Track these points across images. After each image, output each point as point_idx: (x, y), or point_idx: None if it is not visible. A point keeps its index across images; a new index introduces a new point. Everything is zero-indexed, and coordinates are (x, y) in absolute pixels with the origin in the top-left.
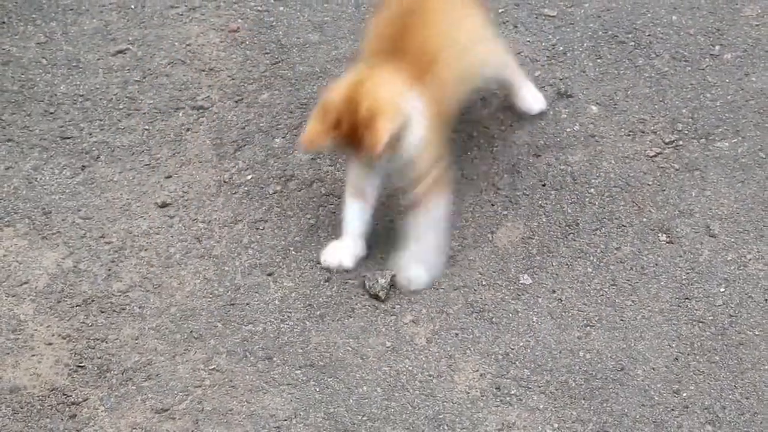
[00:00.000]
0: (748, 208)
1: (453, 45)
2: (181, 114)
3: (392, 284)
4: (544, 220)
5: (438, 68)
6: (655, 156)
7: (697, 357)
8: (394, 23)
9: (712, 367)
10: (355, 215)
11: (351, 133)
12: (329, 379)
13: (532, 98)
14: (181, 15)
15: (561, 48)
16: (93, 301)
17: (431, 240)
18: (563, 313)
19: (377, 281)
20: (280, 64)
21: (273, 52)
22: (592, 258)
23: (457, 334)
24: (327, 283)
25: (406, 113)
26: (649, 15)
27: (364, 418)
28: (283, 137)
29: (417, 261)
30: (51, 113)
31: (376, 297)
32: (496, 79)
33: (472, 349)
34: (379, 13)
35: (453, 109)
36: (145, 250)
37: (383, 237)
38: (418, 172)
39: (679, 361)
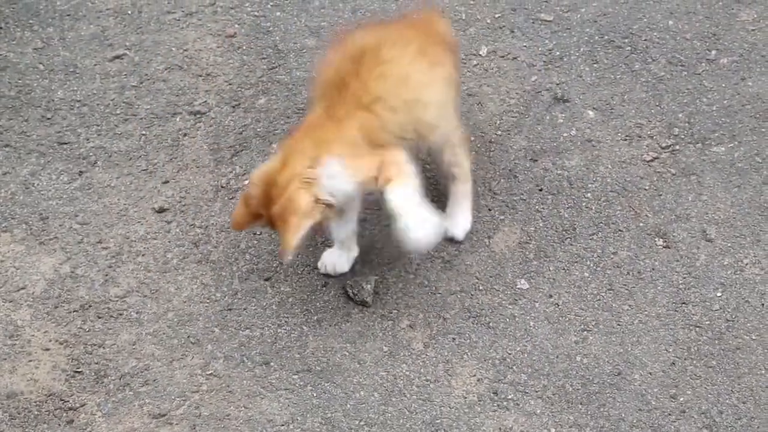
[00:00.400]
0: (745, 213)
1: (401, 94)
2: (178, 119)
3: (376, 290)
4: (540, 224)
5: (375, 113)
6: (651, 160)
7: (694, 362)
8: (343, 66)
9: (709, 371)
10: (341, 227)
11: (272, 225)
12: (326, 384)
13: (459, 220)
14: (178, 20)
15: (557, 53)
16: (90, 306)
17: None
18: (560, 318)
19: (362, 288)
20: (277, 69)
21: (270, 57)
22: (588, 263)
23: (454, 339)
24: (324, 288)
25: (313, 210)
26: (645, 20)
27: (362, 423)
28: (280, 142)
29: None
30: (48, 118)
31: (363, 303)
32: (442, 158)
33: (469, 353)
34: (332, 53)
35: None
36: (143, 255)
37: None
38: (367, 188)
39: (676, 365)
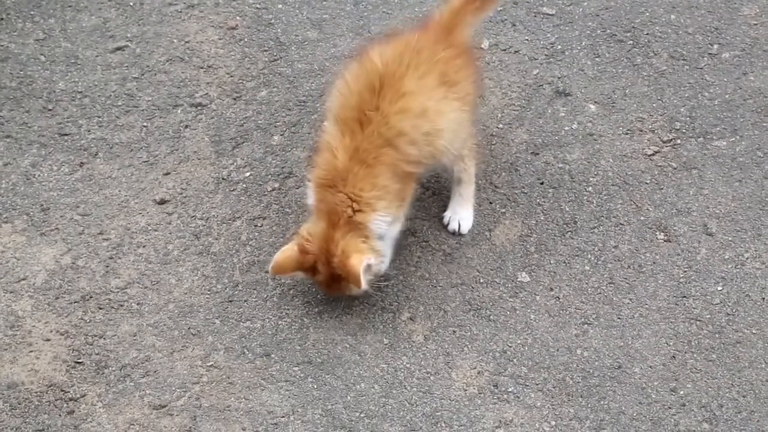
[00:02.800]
0: (746, 207)
1: (420, 127)
2: (179, 111)
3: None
4: (542, 218)
5: (397, 147)
6: (653, 154)
7: (695, 355)
8: (363, 95)
9: (709, 365)
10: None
11: (328, 279)
12: (327, 376)
13: (460, 217)
14: (180, 12)
15: (559, 46)
16: (91, 297)
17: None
18: (561, 311)
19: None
20: (278, 61)
21: (271, 50)
22: (589, 256)
23: (454, 332)
24: None
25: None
26: (647, 14)
27: (362, 415)
28: (281, 134)
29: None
30: (49, 110)
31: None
32: (452, 167)
33: (469, 346)
34: (352, 72)
35: (415, 172)
36: (144, 246)
37: None
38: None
39: (677, 359)
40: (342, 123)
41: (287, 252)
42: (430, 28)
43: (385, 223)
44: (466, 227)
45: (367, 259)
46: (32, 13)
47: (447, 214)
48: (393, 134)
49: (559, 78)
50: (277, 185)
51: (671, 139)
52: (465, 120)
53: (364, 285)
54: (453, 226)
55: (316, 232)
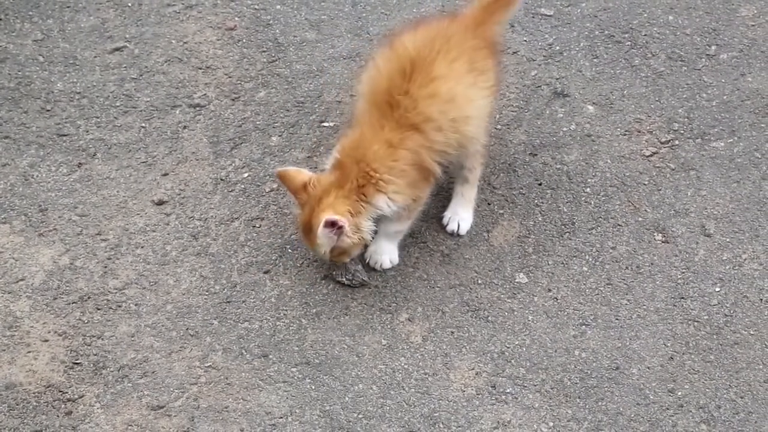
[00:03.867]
0: (744, 208)
1: (448, 113)
2: (177, 112)
3: (367, 270)
4: (540, 219)
5: (424, 133)
6: (651, 155)
7: (692, 356)
8: (393, 79)
9: (707, 366)
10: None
11: (305, 223)
12: (325, 377)
13: (460, 217)
14: (178, 13)
15: (558, 47)
16: (89, 298)
17: (389, 237)
18: (559, 312)
19: (353, 270)
20: (276, 62)
21: (270, 51)
22: (587, 257)
23: (452, 333)
24: (323, 281)
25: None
26: (645, 15)
27: (360, 416)
28: (279, 135)
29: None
30: (48, 110)
31: (363, 284)
32: (464, 163)
33: (467, 347)
34: (382, 57)
35: (437, 163)
36: (142, 247)
37: None
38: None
39: (674, 360)
40: (373, 105)
41: (299, 173)
42: (460, 18)
43: (391, 208)
44: (465, 228)
45: (339, 221)
46: (30, 13)
47: (447, 215)
48: (420, 119)
49: (557, 79)
50: (275, 186)
51: (669, 140)
52: (490, 111)
53: (319, 239)
54: (452, 226)
55: (323, 182)
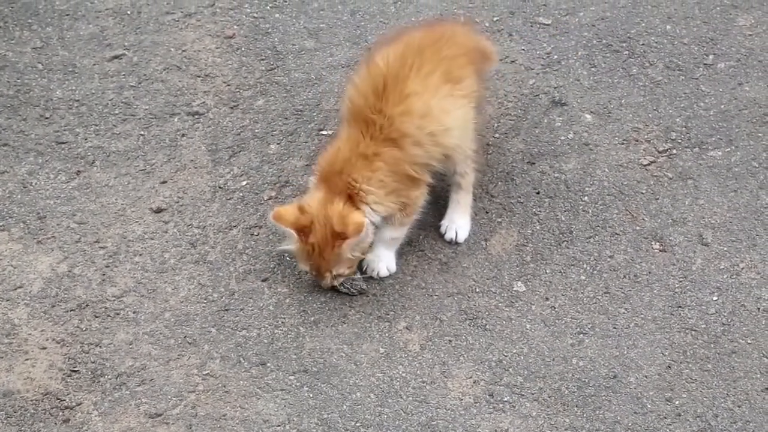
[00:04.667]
0: (741, 217)
1: (425, 127)
2: (176, 119)
3: (365, 278)
4: (537, 227)
5: (402, 148)
6: (648, 164)
7: (690, 365)
8: (369, 96)
9: (704, 375)
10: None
11: (321, 241)
12: (323, 385)
13: (460, 224)
14: (177, 21)
15: (556, 56)
16: (87, 305)
17: (387, 245)
18: (556, 321)
19: (352, 279)
20: (275, 70)
21: (268, 59)
22: (585, 266)
23: (450, 341)
24: (321, 290)
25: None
26: (643, 24)
27: (358, 424)
28: (278, 143)
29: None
30: (46, 118)
31: (362, 292)
32: (455, 169)
33: (465, 355)
34: (362, 72)
35: (420, 173)
36: (140, 255)
37: None
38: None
39: (672, 369)
40: (350, 122)
41: (288, 207)
42: (436, 27)
43: (374, 217)
44: (462, 236)
45: (367, 220)
46: (30, 21)
47: (444, 223)
48: (397, 135)
49: (555, 88)
50: (273, 194)
51: (667, 149)
52: (470, 117)
53: (363, 235)
54: (450, 234)
55: (316, 199)
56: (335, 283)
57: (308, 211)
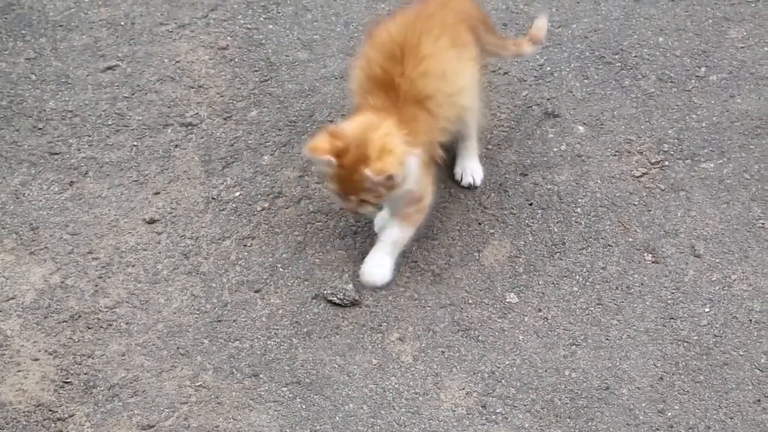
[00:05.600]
0: (733, 229)
1: (443, 89)
2: (169, 130)
3: (357, 288)
4: (530, 239)
5: (428, 110)
6: (641, 176)
7: (682, 377)
8: (386, 64)
9: (696, 386)
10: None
11: (350, 166)
12: (315, 397)
13: (471, 170)
14: (171, 32)
15: (548, 68)
16: (80, 317)
17: (387, 249)
18: (549, 332)
19: (343, 289)
20: (269, 81)
21: (262, 70)
22: (578, 277)
23: (443, 352)
24: (314, 300)
25: (406, 164)
26: (635, 36)
27: None
28: (271, 154)
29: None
30: (40, 129)
31: (354, 303)
32: (462, 123)
33: (458, 367)
34: (368, 48)
35: (438, 144)
36: (133, 266)
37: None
38: (408, 203)
39: (664, 380)
40: (370, 93)
41: (319, 136)
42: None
43: (412, 171)
44: (479, 179)
45: (413, 155)
46: (23, 32)
47: (458, 170)
48: (422, 97)
49: (547, 99)
50: (266, 205)
51: (659, 161)
52: (478, 79)
53: (396, 169)
54: (467, 179)
55: (351, 122)
56: (360, 210)
57: (341, 135)
